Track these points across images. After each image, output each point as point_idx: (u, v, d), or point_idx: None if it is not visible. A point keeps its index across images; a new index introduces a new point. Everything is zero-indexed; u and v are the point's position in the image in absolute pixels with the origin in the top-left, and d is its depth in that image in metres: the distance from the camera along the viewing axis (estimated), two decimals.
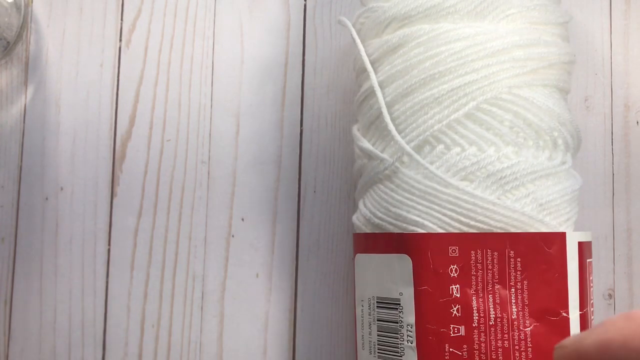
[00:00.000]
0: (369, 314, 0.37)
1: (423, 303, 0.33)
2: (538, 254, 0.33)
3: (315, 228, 0.46)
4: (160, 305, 0.46)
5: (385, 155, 0.36)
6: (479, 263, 0.33)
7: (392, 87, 0.36)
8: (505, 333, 0.33)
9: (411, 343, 0.34)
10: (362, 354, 0.37)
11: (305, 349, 0.45)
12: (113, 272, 0.46)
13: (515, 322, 0.33)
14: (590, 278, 0.36)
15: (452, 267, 0.33)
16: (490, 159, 0.34)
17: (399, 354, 0.35)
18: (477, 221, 0.34)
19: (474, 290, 0.33)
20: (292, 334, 0.45)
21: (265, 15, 0.47)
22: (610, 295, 0.44)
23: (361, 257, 0.37)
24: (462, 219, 0.34)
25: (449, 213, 0.34)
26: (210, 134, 0.47)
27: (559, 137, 0.35)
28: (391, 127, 0.35)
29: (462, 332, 0.33)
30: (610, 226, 0.45)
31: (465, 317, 0.33)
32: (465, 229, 0.34)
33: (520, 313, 0.33)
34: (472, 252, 0.33)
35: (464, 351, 0.33)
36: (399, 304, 0.34)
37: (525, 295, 0.33)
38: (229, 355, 0.45)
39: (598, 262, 0.44)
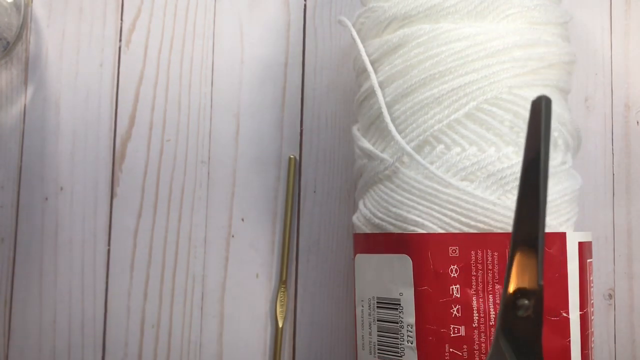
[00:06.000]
0: (369, 314, 0.36)
1: (423, 303, 0.33)
2: None
3: (315, 228, 0.46)
4: (160, 306, 0.46)
5: (385, 155, 0.36)
6: (479, 263, 0.33)
7: (392, 87, 0.36)
8: None
9: (411, 343, 0.34)
10: (362, 354, 0.37)
11: (305, 349, 0.45)
12: (113, 272, 0.46)
13: None
14: (591, 278, 0.36)
15: (452, 267, 0.33)
16: (490, 159, 0.34)
17: (399, 354, 0.34)
18: (477, 221, 0.33)
19: (474, 291, 0.33)
20: (292, 334, 0.45)
21: (265, 15, 0.47)
22: (610, 296, 0.44)
23: (361, 257, 0.37)
24: (462, 219, 0.34)
25: (449, 213, 0.34)
26: (210, 134, 0.46)
27: (559, 137, 0.35)
28: (391, 127, 0.35)
29: (462, 332, 0.33)
30: (610, 226, 0.45)
31: (466, 318, 0.33)
32: (466, 229, 0.34)
33: None
34: (473, 252, 0.33)
35: (464, 351, 0.33)
36: (399, 304, 0.34)
37: None
38: (229, 355, 0.45)
39: (598, 262, 0.44)
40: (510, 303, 0.22)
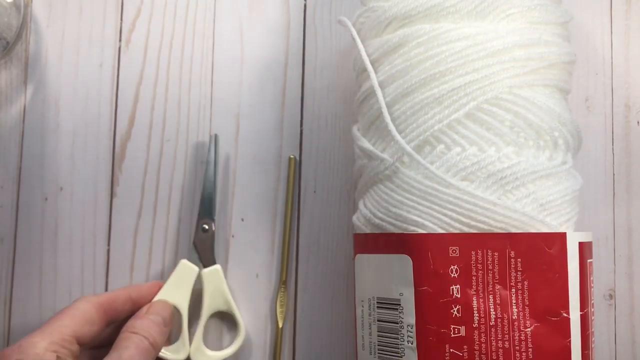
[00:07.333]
0: (369, 315, 0.36)
1: (423, 303, 0.33)
2: (538, 254, 0.33)
3: (315, 228, 0.46)
4: None
5: (385, 155, 0.36)
6: (480, 263, 0.33)
7: (392, 87, 0.36)
8: (506, 333, 0.33)
9: (411, 344, 0.34)
10: (362, 354, 0.37)
11: (305, 349, 0.45)
12: (113, 272, 0.46)
13: (516, 323, 0.33)
14: (591, 278, 0.36)
15: (452, 267, 0.33)
16: (490, 159, 0.34)
17: (399, 355, 0.34)
18: (477, 221, 0.33)
19: (475, 291, 0.33)
20: (292, 334, 0.45)
21: (265, 15, 0.47)
22: (610, 296, 0.44)
23: (361, 257, 0.37)
24: (463, 219, 0.34)
25: (449, 213, 0.34)
26: (210, 134, 0.46)
27: (559, 137, 0.35)
28: (391, 127, 0.35)
29: (463, 332, 0.33)
30: (610, 226, 0.45)
31: (466, 318, 0.33)
32: (466, 229, 0.34)
33: (521, 313, 0.33)
34: (473, 253, 0.33)
35: (465, 352, 0.33)
36: (399, 305, 0.34)
37: (526, 296, 0.33)
38: (229, 356, 0.45)
39: (598, 262, 0.44)
40: (200, 227, 0.44)
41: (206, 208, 0.44)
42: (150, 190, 0.46)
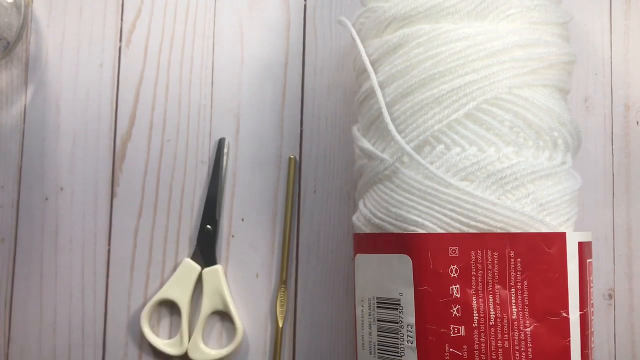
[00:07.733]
0: (369, 314, 0.36)
1: (423, 303, 0.33)
2: (538, 254, 0.33)
3: (315, 228, 0.46)
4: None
5: (385, 156, 0.36)
6: (479, 263, 0.33)
7: (392, 87, 0.36)
8: (506, 333, 0.33)
9: (411, 343, 0.34)
10: (362, 354, 0.37)
11: (305, 349, 0.45)
12: (113, 272, 0.46)
13: (516, 323, 0.33)
14: (590, 278, 0.36)
15: (452, 267, 0.33)
16: (490, 159, 0.34)
17: (399, 354, 0.35)
18: (477, 221, 0.33)
19: (474, 291, 0.33)
20: (292, 334, 0.45)
21: (265, 15, 0.47)
22: (610, 296, 0.44)
23: (361, 257, 0.37)
24: (462, 219, 0.34)
25: (449, 213, 0.34)
26: (210, 134, 0.47)
27: (559, 137, 0.35)
28: (391, 127, 0.35)
29: (462, 332, 0.33)
30: (610, 226, 0.45)
31: (466, 317, 0.33)
32: (466, 229, 0.34)
33: (521, 313, 0.33)
34: (472, 252, 0.33)
35: (464, 351, 0.33)
36: (399, 304, 0.34)
37: (526, 296, 0.33)
38: (229, 355, 0.45)
39: (598, 262, 0.44)
40: (204, 228, 0.45)
41: (211, 209, 0.45)
42: (150, 190, 0.46)
